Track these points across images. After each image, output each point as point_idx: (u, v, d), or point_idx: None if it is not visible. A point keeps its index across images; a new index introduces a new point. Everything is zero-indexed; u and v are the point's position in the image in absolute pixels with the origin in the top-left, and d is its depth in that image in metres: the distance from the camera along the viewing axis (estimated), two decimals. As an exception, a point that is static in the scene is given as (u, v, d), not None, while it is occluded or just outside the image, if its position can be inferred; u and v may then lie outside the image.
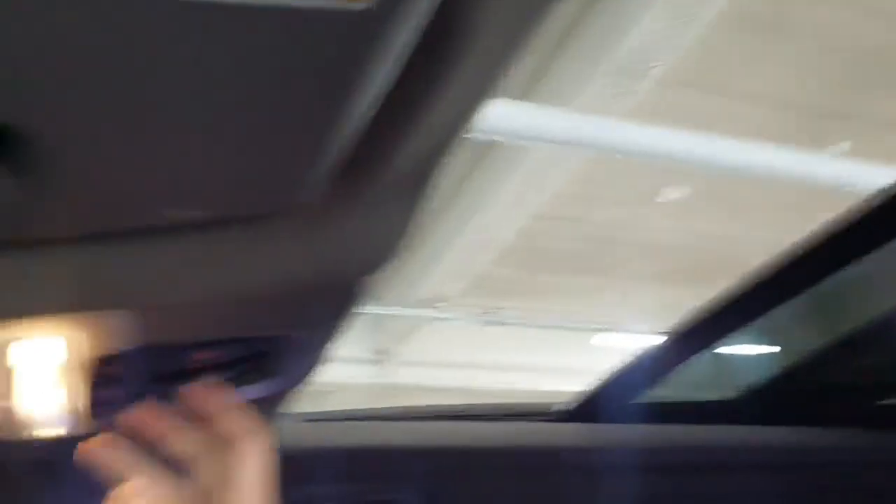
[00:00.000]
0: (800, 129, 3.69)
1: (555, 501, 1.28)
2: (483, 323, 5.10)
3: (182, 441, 0.60)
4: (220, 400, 0.59)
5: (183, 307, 0.52)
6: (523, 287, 5.24)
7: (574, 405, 1.29)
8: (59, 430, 0.61)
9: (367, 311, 4.83)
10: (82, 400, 0.57)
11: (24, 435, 0.61)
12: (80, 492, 0.89)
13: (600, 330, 5.57)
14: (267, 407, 0.81)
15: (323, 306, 0.59)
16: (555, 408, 1.29)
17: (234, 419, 0.59)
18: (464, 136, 0.52)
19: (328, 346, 0.72)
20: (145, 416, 0.60)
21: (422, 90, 0.41)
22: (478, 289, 4.97)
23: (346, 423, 1.13)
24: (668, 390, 1.37)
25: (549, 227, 4.63)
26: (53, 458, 0.84)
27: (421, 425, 1.18)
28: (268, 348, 0.64)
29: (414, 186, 0.52)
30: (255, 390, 0.68)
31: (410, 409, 1.35)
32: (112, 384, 0.57)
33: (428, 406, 1.36)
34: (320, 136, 0.39)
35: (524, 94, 3.43)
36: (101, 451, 0.59)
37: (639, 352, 1.25)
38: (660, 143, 3.07)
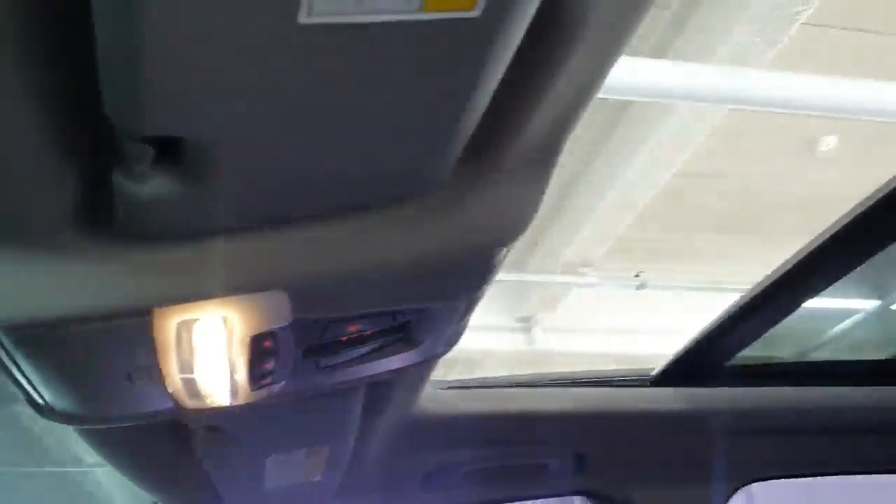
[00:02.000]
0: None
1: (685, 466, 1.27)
2: (630, 287, 5.01)
3: None
4: None
5: (331, 285, 0.55)
6: (671, 248, 5.09)
7: (666, 369, 1.26)
8: (224, 400, 0.67)
9: (512, 278, 4.85)
10: (243, 373, 0.63)
11: (198, 404, 0.67)
12: (244, 453, 0.97)
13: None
14: (413, 375, 0.85)
15: (461, 278, 0.61)
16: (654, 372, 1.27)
17: None
18: (588, 107, 0.53)
19: (468, 315, 0.75)
20: None
21: (537, 72, 0.43)
22: (623, 252, 4.88)
23: (490, 390, 1.17)
24: (763, 350, 1.32)
25: (694, 184, 4.47)
26: (220, 423, 0.92)
27: (573, 392, 1.20)
28: (411, 319, 0.67)
29: (540, 159, 0.53)
30: (401, 360, 0.72)
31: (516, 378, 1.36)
32: (268, 358, 0.62)
33: (532, 374, 1.37)
34: (445, 124, 0.42)
35: (663, 51, 3.32)
36: None
37: (728, 310, 1.19)
38: (807, 92, 2.90)
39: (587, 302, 5.43)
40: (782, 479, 1.32)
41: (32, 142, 0.37)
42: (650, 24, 3.34)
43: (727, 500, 1.28)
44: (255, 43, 0.33)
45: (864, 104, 2.94)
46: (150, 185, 0.40)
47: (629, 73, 2.74)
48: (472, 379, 1.20)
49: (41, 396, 0.63)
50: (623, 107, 3.69)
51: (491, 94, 0.42)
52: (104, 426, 0.71)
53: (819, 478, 1.39)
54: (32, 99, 0.35)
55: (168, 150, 0.39)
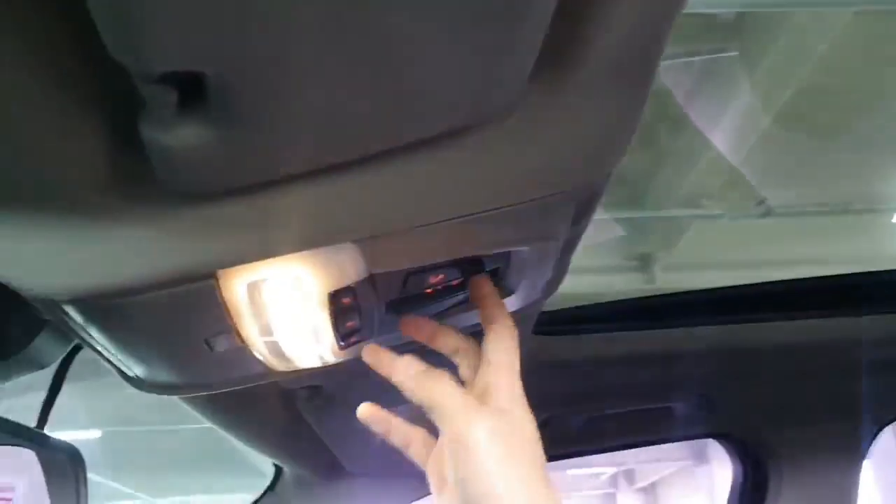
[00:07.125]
0: None
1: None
2: (753, 216, 4.75)
3: (446, 338, 0.65)
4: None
5: (408, 233, 0.50)
6: (796, 172, 4.80)
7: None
8: (314, 361, 0.64)
9: (626, 216, 4.68)
10: (327, 332, 0.59)
11: (288, 366, 0.64)
12: (350, 412, 0.94)
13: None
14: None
15: (551, 216, 0.55)
16: None
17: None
18: (682, 12, 0.45)
19: (568, 256, 0.68)
20: (413, 324, 0.65)
21: None
22: (744, 180, 4.62)
23: (600, 335, 1.10)
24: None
25: (817, 100, 4.17)
26: (321, 382, 0.90)
27: (695, 331, 1.12)
28: (500, 266, 0.62)
29: (631, 71, 0.45)
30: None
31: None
32: (350, 315, 0.57)
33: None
34: (510, 31, 0.35)
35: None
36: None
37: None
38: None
39: (710, 236, 5.22)
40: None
41: (36, 98, 0.33)
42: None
43: (874, 439, 1.18)
44: None
45: None
46: (180, 134, 0.36)
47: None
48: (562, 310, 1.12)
49: (128, 368, 0.61)
50: (731, 24, 3.46)
51: None
52: (199, 394, 0.69)
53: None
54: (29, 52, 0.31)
55: (192, 93, 0.34)
